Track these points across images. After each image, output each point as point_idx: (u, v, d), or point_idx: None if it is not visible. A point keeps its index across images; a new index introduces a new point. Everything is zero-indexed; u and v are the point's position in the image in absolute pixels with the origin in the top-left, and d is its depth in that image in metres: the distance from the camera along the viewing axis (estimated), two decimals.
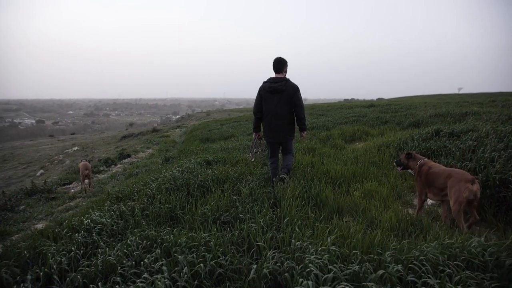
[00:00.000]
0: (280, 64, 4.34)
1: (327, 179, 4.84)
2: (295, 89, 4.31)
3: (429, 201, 4.18)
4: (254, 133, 5.03)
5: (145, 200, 4.01)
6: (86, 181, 8.35)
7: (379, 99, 43.93)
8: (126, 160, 12.22)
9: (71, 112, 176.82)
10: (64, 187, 8.79)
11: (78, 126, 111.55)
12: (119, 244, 2.66)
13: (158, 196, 4.10)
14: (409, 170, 3.90)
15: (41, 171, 20.69)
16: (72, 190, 8.18)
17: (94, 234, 2.93)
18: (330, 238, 2.51)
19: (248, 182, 4.52)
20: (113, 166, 11.42)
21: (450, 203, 3.10)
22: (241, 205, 3.64)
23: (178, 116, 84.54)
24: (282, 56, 4.40)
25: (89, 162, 8.41)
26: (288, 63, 4.46)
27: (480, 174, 3.74)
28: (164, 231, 2.94)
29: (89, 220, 3.23)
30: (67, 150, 27.38)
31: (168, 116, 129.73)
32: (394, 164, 4.20)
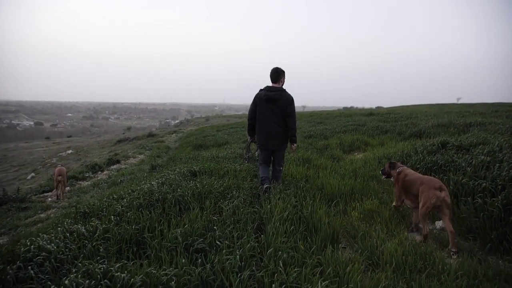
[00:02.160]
0: (277, 74, 4.38)
1: (322, 195, 4.32)
2: (290, 100, 4.34)
3: (438, 225, 3.66)
4: (249, 137, 4.93)
5: (112, 219, 3.46)
6: (67, 188, 7.85)
7: (378, 108, 43.58)
8: (114, 166, 11.67)
9: (70, 114, 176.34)
10: (42, 195, 8.20)
11: (76, 128, 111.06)
12: (53, 286, 2.10)
13: (128, 214, 3.57)
14: (391, 179, 4.03)
15: (32, 174, 20.15)
16: (49, 199, 7.58)
17: (31, 267, 2.37)
18: (320, 282, 1.98)
19: (233, 199, 3.99)
20: (99, 172, 10.87)
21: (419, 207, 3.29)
22: (220, 228, 3.11)
23: (177, 121, 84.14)
24: (279, 66, 4.43)
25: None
26: (285, 73, 4.48)
27: (499, 197, 3.21)
28: (116, 264, 2.39)
29: (31, 247, 2.67)
30: (61, 153, 26.86)
31: (167, 120, 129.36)
32: (380, 172, 4.34)
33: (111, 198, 4.43)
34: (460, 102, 49.16)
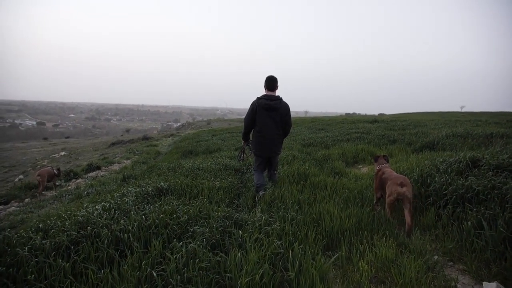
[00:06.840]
0: (273, 82, 4.43)
1: (318, 232, 3.17)
2: (288, 109, 4.49)
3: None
4: (243, 141, 5.01)
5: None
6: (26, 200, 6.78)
7: (381, 115, 42.37)
8: (92, 174, 10.55)
9: (72, 115, 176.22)
10: None
11: (78, 129, 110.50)
12: None
13: (31, 263, 2.44)
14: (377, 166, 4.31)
15: (21, 176, 19.15)
16: None
17: None
18: None
19: (194, 237, 2.85)
20: (73, 180, 9.75)
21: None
22: None
23: (179, 124, 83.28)
24: (273, 74, 4.48)
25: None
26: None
27: None
28: None
29: None
30: (54, 155, 25.88)
31: (169, 123, 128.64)
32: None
33: (32, 229, 3.29)
34: (464, 110, 47.72)
